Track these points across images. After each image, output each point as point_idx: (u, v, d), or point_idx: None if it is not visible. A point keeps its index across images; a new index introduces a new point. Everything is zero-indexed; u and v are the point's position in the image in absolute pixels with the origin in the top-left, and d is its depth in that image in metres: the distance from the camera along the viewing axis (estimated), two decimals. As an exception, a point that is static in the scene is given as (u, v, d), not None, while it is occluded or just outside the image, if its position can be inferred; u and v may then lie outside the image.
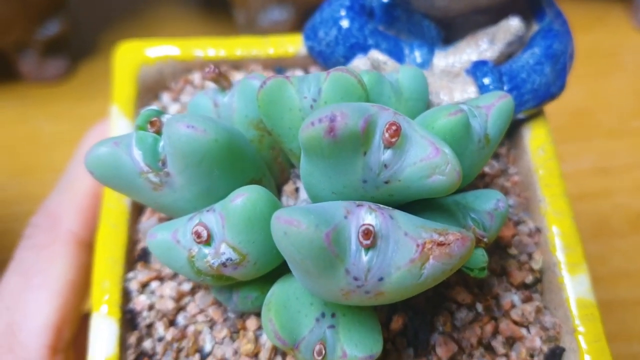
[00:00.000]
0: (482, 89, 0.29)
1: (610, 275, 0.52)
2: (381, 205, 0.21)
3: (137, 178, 0.24)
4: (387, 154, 0.21)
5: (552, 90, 0.30)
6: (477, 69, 0.29)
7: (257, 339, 0.26)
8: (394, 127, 0.20)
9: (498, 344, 0.26)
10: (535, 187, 0.29)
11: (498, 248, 0.28)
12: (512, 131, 0.31)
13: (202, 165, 0.23)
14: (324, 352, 0.23)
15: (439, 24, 0.31)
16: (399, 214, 0.21)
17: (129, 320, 0.27)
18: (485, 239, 0.24)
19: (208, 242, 0.23)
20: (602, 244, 0.53)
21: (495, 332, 0.27)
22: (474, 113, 0.25)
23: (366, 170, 0.21)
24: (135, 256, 0.29)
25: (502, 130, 0.25)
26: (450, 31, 0.31)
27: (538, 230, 0.29)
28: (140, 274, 0.28)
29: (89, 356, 0.26)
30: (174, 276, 0.28)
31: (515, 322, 0.27)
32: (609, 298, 0.51)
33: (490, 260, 0.27)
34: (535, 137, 0.30)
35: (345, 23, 0.30)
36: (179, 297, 0.27)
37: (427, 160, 0.21)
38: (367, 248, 0.20)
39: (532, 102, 0.29)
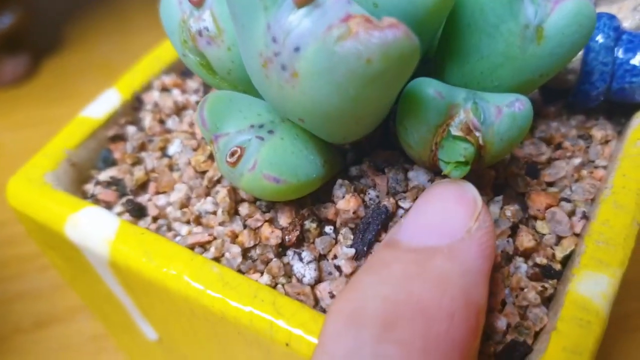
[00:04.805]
0: (588, 51, 0.24)
1: None
2: None
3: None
4: None
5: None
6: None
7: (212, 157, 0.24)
8: None
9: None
10: (609, 176, 0.23)
11: (525, 217, 0.22)
12: (625, 118, 0.25)
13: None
14: (237, 155, 0.20)
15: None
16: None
17: (132, 102, 0.27)
18: (477, 132, 0.19)
19: (200, 4, 0.22)
20: None
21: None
22: (535, 0, 0.20)
23: None
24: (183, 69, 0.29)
25: (567, 34, 0.20)
26: None
27: (585, 218, 0.22)
28: (168, 78, 0.28)
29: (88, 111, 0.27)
30: (195, 91, 0.28)
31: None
32: None
33: (505, 209, 0.22)
34: (640, 128, 0.24)
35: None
36: (183, 105, 0.27)
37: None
38: (299, 5, 0.17)
39: (650, 77, 0.23)
